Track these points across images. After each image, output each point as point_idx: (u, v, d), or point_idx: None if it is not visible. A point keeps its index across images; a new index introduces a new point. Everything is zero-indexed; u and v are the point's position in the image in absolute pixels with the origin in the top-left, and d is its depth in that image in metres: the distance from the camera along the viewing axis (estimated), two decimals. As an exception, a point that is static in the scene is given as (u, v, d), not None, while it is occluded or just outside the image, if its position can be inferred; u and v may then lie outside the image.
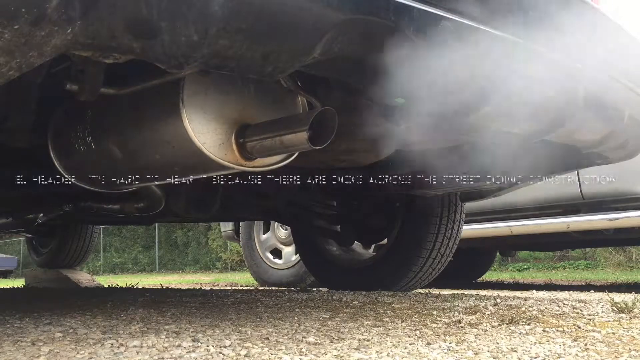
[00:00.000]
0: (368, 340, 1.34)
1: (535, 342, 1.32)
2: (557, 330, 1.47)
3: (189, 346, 1.24)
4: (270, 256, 4.59)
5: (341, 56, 1.01)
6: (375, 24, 0.99)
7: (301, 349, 1.24)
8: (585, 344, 1.30)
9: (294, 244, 4.05)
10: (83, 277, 4.89)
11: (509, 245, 5.09)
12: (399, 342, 1.32)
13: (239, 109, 1.24)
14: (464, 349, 1.25)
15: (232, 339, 1.34)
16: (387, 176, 2.40)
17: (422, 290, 2.81)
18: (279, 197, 2.61)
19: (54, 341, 1.30)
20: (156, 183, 1.85)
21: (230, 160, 1.22)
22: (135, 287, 3.71)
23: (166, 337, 1.34)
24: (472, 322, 1.61)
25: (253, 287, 4.04)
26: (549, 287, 4.97)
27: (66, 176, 1.52)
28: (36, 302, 2.32)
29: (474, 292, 3.15)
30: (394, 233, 2.70)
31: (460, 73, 1.17)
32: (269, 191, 2.55)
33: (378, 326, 1.55)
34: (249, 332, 1.43)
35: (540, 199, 3.76)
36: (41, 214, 2.72)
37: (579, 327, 1.52)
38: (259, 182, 2.46)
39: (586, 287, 4.59)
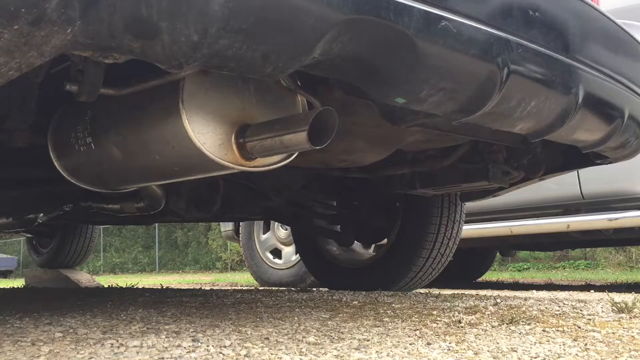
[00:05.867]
0: (368, 340, 1.34)
1: (535, 342, 1.32)
2: (557, 330, 1.47)
3: (189, 346, 1.24)
4: (270, 256, 4.59)
5: (341, 56, 1.01)
6: (376, 24, 0.99)
7: (301, 349, 1.24)
8: (585, 344, 1.30)
9: (294, 244, 4.05)
10: (83, 277, 4.89)
11: (509, 245, 5.09)
12: (399, 342, 1.32)
13: (239, 109, 1.24)
14: (464, 349, 1.25)
15: (232, 339, 1.34)
16: (387, 176, 2.41)
17: (422, 290, 2.81)
18: (279, 197, 2.61)
19: (54, 341, 1.30)
20: (156, 183, 1.86)
21: (230, 160, 1.22)
22: (135, 287, 3.71)
23: (166, 337, 1.34)
24: (472, 322, 1.61)
25: (253, 287, 4.04)
26: (549, 287, 4.97)
27: (66, 176, 1.52)
28: (36, 302, 2.32)
29: (474, 292, 3.15)
30: (394, 233, 2.70)
31: (460, 73, 1.17)
32: (269, 191, 2.55)
33: (378, 326, 1.55)
34: (249, 332, 1.43)
35: (540, 199, 3.76)
36: (41, 214, 2.72)
37: (579, 327, 1.52)
38: (259, 182, 2.46)
39: (586, 287, 4.59)
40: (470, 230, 3.98)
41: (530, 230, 3.90)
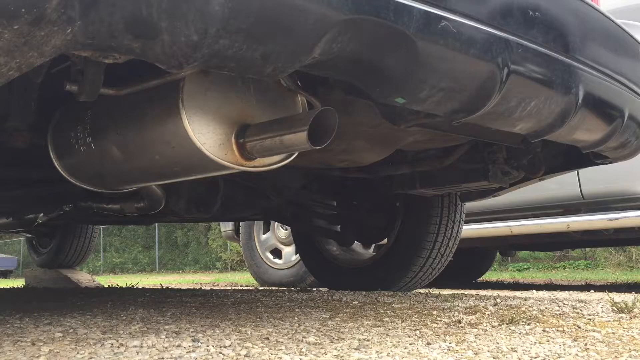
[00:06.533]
0: (368, 340, 1.34)
1: (535, 342, 1.32)
2: (557, 330, 1.47)
3: (189, 346, 1.24)
4: (270, 256, 4.59)
5: (341, 56, 1.01)
6: (375, 24, 0.99)
7: (301, 349, 1.24)
8: (585, 344, 1.30)
9: (294, 244, 4.05)
10: (83, 277, 4.89)
11: (509, 245, 5.09)
12: (399, 342, 1.32)
13: (238, 108, 1.24)
14: (464, 348, 1.25)
15: (232, 339, 1.34)
16: (387, 176, 2.41)
17: (422, 290, 2.81)
18: (279, 197, 2.61)
19: (54, 341, 1.30)
20: (156, 183, 1.86)
21: (230, 160, 1.22)
22: (135, 287, 3.71)
23: (166, 337, 1.34)
24: (472, 322, 1.61)
25: (253, 287, 4.04)
26: (549, 287, 4.97)
27: (66, 176, 1.52)
28: (36, 302, 2.32)
29: (474, 292, 3.15)
30: (394, 233, 2.70)
31: (460, 73, 1.17)
32: (269, 191, 2.55)
33: (378, 326, 1.55)
34: (249, 332, 1.43)
35: (540, 199, 3.76)
36: (41, 214, 2.72)
37: (579, 327, 1.52)
38: (259, 182, 2.46)
39: (586, 287, 4.59)
40: (470, 230, 3.98)
41: (530, 230, 3.89)
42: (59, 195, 2.30)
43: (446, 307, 1.94)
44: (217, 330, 1.45)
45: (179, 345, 1.25)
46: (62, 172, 1.51)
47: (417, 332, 1.46)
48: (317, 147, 1.15)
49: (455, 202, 2.65)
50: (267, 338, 1.36)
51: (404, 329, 1.51)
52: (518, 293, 3.03)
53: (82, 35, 0.81)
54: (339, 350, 1.22)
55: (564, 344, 1.30)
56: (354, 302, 2.10)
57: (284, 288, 3.59)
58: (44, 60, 0.83)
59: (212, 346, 1.24)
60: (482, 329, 1.49)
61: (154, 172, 1.41)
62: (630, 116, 1.64)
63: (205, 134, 1.19)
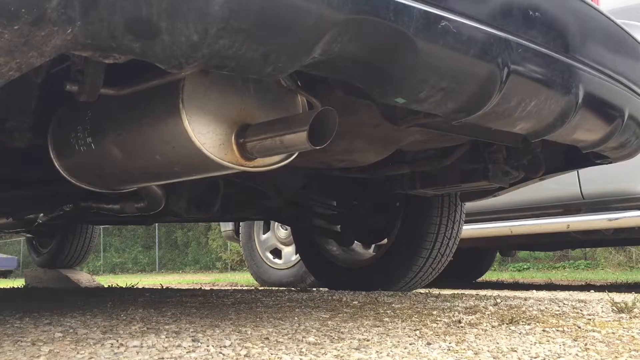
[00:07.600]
0: (368, 340, 1.34)
1: (535, 342, 1.32)
2: (557, 330, 1.47)
3: (189, 346, 1.24)
4: (270, 256, 4.59)
5: (341, 56, 1.01)
6: (376, 24, 0.99)
7: (301, 349, 1.24)
8: (585, 344, 1.30)
9: (294, 244, 4.05)
10: (83, 277, 4.89)
11: (509, 245, 5.09)
12: (399, 342, 1.32)
13: (239, 109, 1.24)
14: (464, 348, 1.25)
15: (232, 339, 1.34)
16: (387, 176, 2.41)
17: (422, 290, 2.81)
18: (279, 197, 2.61)
19: (54, 341, 1.30)
20: (156, 183, 1.86)
21: (230, 160, 1.22)
22: (135, 287, 3.71)
23: (166, 337, 1.34)
24: (472, 322, 1.61)
25: (253, 287, 4.04)
26: (549, 287, 4.97)
27: (66, 176, 1.52)
28: (36, 302, 2.32)
29: (474, 292, 3.15)
30: (394, 233, 2.70)
31: (460, 73, 1.17)
32: (269, 191, 2.55)
33: (378, 326, 1.55)
34: (249, 332, 1.43)
35: (540, 199, 3.76)
36: (41, 214, 2.72)
37: (579, 327, 1.52)
38: (259, 182, 2.46)
39: (586, 287, 4.59)
40: (470, 230, 3.98)
41: (530, 230, 3.90)
42: (59, 195, 2.30)
43: (446, 307, 1.94)
44: (217, 330, 1.45)
45: (179, 345, 1.25)
46: (62, 172, 1.51)
47: (417, 332, 1.46)
48: (317, 147, 1.16)
49: (455, 202, 2.65)
50: (267, 338, 1.36)
51: (404, 329, 1.51)
52: (518, 293, 3.03)
53: (82, 35, 0.81)
54: (339, 350, 1.22)
55: (564, 344, 1.30)
56: (354, 302, 2.10)
57: (284, 288, 3.59)
58: (44, 60, 0.83)
59: (212, 346, 1.24)
60: (482, 329, 1.49)
61: (154, 172, 1.41)
62: (630, 116, 1.64)
63: (205, 134, 1.19)
